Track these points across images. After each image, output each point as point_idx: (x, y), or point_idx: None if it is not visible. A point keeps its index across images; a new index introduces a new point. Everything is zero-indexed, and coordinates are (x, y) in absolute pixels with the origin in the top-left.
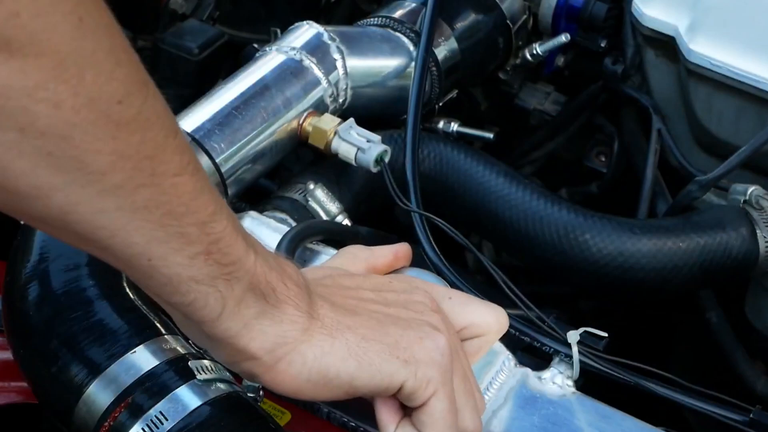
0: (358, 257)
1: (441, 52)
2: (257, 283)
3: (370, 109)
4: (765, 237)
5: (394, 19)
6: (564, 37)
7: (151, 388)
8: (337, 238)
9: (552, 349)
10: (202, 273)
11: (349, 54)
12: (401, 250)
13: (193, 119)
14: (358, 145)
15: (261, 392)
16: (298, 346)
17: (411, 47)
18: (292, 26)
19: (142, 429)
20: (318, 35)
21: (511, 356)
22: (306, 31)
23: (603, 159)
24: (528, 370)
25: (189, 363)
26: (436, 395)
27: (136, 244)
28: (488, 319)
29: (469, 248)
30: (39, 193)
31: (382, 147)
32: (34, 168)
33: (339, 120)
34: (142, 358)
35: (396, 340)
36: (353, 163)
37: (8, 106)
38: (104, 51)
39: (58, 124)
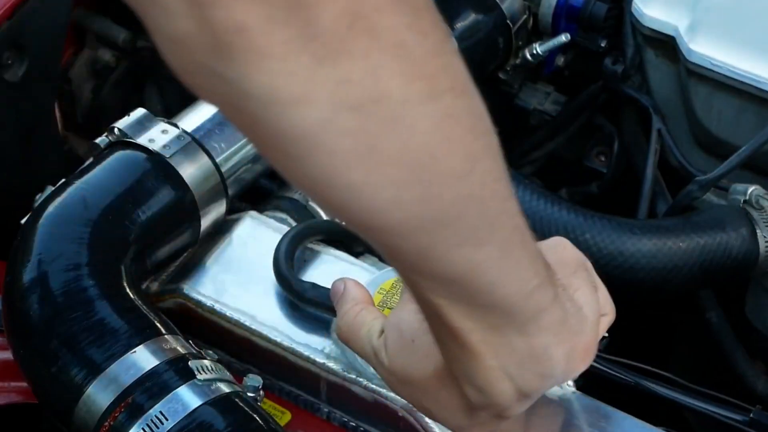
0: None
1: None
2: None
3: None
4: (765, 237)
5: None
6: (564, 37)
7: (152, 388)
8: (337, 237)
9: None
10: (541, 260)
11: None
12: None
13: (193, 119)
14: None
15: (261, 392)
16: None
17: None
18: None
19: (143, 429)
20: None
21: None
22: None
23: (603, 159)
24: None
25: (189, 363)
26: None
27: (519, 229)
28: None
29: None
30: (465, 168)
31: None
32: (466, 134)
33: None
34: (143, 358)
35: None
36: None
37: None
38: None
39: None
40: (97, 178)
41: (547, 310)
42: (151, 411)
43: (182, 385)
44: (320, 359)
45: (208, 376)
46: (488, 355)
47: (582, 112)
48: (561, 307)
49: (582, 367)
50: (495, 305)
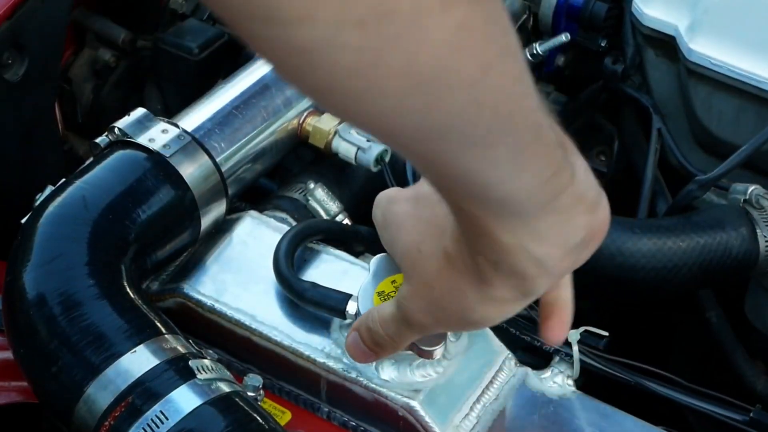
0: None
1: None
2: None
3: None
4: (765, 236)
5: None
6: (564, 37)
7: (152, 387)
8: (337, 237)
9: (552, 348)
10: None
11: None
12: None
13: (193, 119)
14: (358, 144)
15: (261, 392)
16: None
17: None
18: None
19: (143, 429)
20: None
21: (511, 355)
22: None
23: (603, 159)
24: (528, 370)
25: (189, 362)
26: None
27: (536, 125)
28: None
29: None
30: (476, 76)
31: (383, 146)
32: (479, 42)
33: (339, 119)
34: (143, 358)
35: None
36: (353, 162)
37: None
38: None
39: None
40: (98, 178)
41: (565, 192)
42: (151, 411)
43: (182, 384)
44: (320, 359)
45: (208, 375)
46: (514, 242)
47: (582, 112)
48: (579, 185)
49: (601, 238)
50: (509, 197)
